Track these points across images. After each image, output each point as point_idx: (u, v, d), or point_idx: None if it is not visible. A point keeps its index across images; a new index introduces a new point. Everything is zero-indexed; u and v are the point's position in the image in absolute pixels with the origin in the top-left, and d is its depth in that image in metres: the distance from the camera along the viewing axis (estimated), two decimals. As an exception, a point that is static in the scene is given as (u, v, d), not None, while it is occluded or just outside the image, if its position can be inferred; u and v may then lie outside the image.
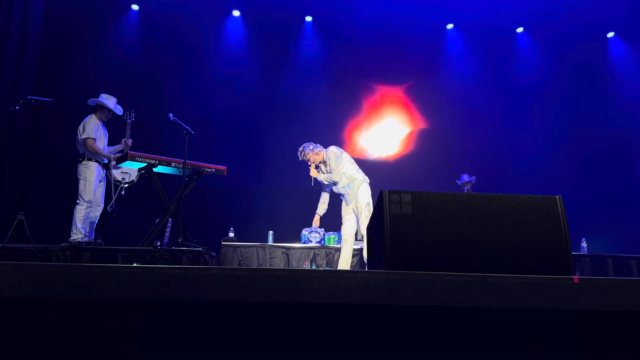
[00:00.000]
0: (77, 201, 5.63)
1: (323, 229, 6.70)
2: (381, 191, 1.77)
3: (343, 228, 5.70)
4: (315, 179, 5.77)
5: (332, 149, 5.70)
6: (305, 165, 5.98)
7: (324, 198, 5.95)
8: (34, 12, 7.85)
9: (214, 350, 1.55)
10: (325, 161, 5.73)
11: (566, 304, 1.52)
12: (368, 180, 5.68)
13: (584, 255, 6.53)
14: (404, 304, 1.55)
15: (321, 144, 5.85)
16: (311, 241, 6.69)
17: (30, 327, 1.51)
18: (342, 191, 5.64)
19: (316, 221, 6.05)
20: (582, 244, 7.01)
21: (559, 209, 1.70)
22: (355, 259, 6.07)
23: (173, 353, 1.54)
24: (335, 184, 5.64)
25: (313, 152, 5.73)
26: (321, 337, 1.58)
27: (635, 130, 8.63)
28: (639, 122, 8.65)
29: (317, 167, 5.81)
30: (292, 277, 1.55)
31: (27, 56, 7.71)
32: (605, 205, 8.36)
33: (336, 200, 5.99)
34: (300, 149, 5.79)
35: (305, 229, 6.82)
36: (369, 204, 5.49)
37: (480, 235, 1.70)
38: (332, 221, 6.57)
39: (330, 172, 5.61)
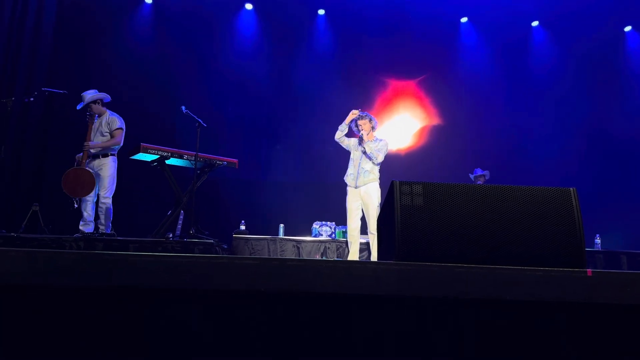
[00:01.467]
0: (107, 195, 5.66)
1: (334, 223, 6.70)
2: (392, 182, 1.75)
3: (348, 223, 5.61)
4: (367, 143, 5.53)
5: (385, 138, 5.66)
6: (316, 159, 5.98)
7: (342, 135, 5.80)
8: (48, 5, 7.91)
9: (223, 340, 1.55)
10: (378, 141, 5.59)
11: (579, 297, 1.50)
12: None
13: (597, 252, 6.47)
14: (414, 295, 1.53)
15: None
16: (322, 234, 6.70)
17: (37, 314, 1.52)
18: (366, 167, 5.51)
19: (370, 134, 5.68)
20: (596, 240, 6.93)
21: (573, 201, 1.68)
22: (365, 253, 6.06)
23: (182, 341, 1.55)
24: (369, 158, 5.52)
25: (373, 123, 5.62)
26: (331, 328, 1.58)
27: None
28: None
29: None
30: (302, 267, 1.54)
31: (41, 49, 7.79)
32: (619, 201, 8.27)
33: (342, 193, 5.98)
34: (364, 112, 5.68)
35: (316, 222, 6.82)
36: (379, 205, 5.44)
37: (492, 227, 1.67)
38: (343, 215, 6.56)
39: (376, 152, 5.48)
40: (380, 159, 5.50)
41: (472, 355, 1.57)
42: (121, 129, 5.78)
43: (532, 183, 1.72)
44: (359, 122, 5.64)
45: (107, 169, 5.69)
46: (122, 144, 5.81)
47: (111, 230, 5.82)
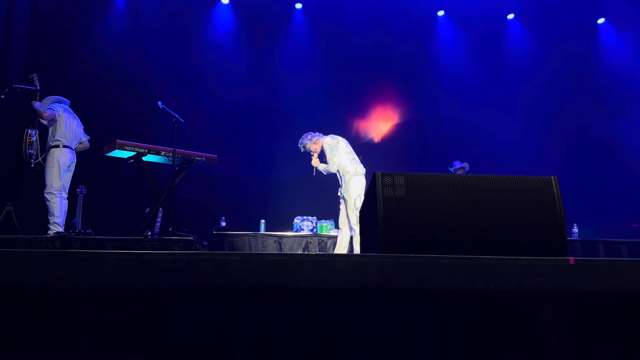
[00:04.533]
0: (46, 191, 5.54)
1: (315, 217, 6.68)
2: (374, 174, 1.73)
3: (339, 216, 5.67)
4: (316, 168, 5.73)
5: (327, 139, 5.65)
6: (296, 154, 5.95)
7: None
8: (23, 2, 7.72)
9: (206, 337, 1.52)
10: (323, 150, 5.69)
11: (562, 286, 1.50)
12: (364, 172, 5.58)
13: (575, 241, 6.57)
14: (397, 287, 1.52)
15: (315, 131, 5.80)
16: (303, 229, 6.67)
17: (18, 314, 1.47)
18: (339, 180, 5.62)
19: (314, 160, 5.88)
20: (574, 229, 7.05)
21: (554, 190, 1.68)
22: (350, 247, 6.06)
23: (162, 340, 1.51)
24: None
25: (312, 142, 5.72)
26: (314, 322, 1.56)
27: (624, 116, 8.66)
28: (628, 107, 8.68)
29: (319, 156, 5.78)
30: (284, 262, 1.51)
31: (15, 46, 7.58)
32: (595, 190, 8.43)
33: (331, 189, 5.97)
34: (300, 140, 5.78)
35: (297, 217, 6.79)
36: (360, 195, 5.40)
37: (475, 217, 1.67)
38: (325, 210, 6.55)
39: (327, 163, 5.58)
40: (333, 167, 5.55)
41: (457, 346, 1.56)
42: (55, 112, 5.60)
43: (510, 174, 1.72)
44: (310, 152, 5.76)
45: (48, 162, 5.56)
46: (49, 122, 5.63)
47: (88, 229, 5.73)
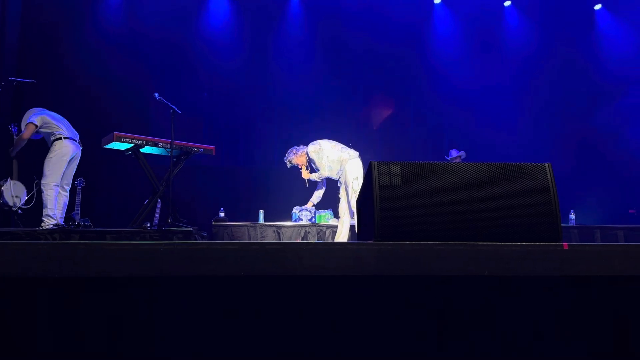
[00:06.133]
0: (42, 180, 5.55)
1: (314, 207, 6.72)
2: (370, 162, 1.75)
3: (339, 204, 5.79)
4: (309, 179, 5.89)
5: (309, 149, 5.77)
6: (294, 144, 6.01)
7: (319, 193, 6.21)
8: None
9: (204, 327, 1.55)
10: (311, 159, 5.77)
11: (556, 271, 1.53)
12: (357, 155, 5.67)
13: (572, 227, 6.61)
14: (394, 275, 1.55)
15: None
16: (302, 219, 6.70)
17: (16, 306, 1.49)
18: (337, 177, 5.71)
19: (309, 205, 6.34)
20: (571, 215, 7.08)
21: (548, 176, 1.70)
22: (350, 233, 6.10)
23: (161, 331, 1.54)
24: (327, 177, 5.80)
25: (297, 156, 5.87)
26: (313, 310, 1.58)
27: (622, 102, 8.67)
28: (626, 92, 8.69)
29: (307, 167, 5.93)
30: (282, 251, 1.53)
31: (9, 37, 7.54)
32: (592, 177, 8.46)
33: (329, 179, 6.00)
34: (285, 157, 5.94)
35: (295, 207, 6.82)
36: (357, 178, 5.49)
37: (470, 205, 1.69)
38: (323, 199, 6.57)
39: (318, 171, 5.68)
40: (326, 172, 5.67)
41: (453, 332, 1.59)
42: (32, 123, 5.46)
43: (507, 161, 1.75)
44: (297, 166, 5.92)
45: (48, 153, 5.53)
46: (38, 133, 5.55)
47: (87, 221, 5.75)
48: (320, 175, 5.73)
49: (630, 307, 1.60)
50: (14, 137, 5.73)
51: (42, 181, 5.47)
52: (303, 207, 6.58)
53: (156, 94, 5.75)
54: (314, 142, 5.80)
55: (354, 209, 5.46)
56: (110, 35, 8.26)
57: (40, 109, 5.65)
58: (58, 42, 7.88)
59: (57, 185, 5.51)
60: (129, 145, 5.72)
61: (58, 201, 5.57)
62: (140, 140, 5.75)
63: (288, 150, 5.98)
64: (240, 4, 9.01)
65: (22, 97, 7.49)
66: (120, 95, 7.83)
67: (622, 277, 1.57)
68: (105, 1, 8.51)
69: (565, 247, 1.53)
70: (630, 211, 8.24)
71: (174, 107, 5.77)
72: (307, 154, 5.76)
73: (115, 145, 5.74)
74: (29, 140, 5.56)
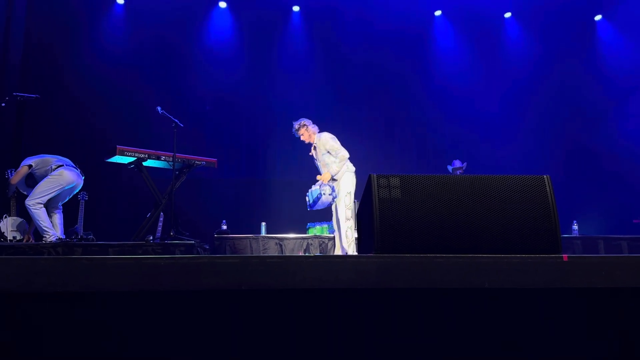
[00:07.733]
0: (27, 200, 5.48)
1: (334, 185, 5.97)
2: (370, 175, 1.76)
3: (333, 219, 5.68)
4: (323, 184, 5.34)
5: (327, 134, 5.56)
6: (296, 156, 5.97)
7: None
8: (18, 8, 7.74)
9: (205, 340, 1.55)
10: (315, 146, 5.64)
11: (556, 283, 1.53)
12: (353, 170, 5.58)
13: (575, 238, 6.58)
14: (394, 287, 1.55)
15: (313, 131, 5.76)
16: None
17: (17, 321, 1.50)
18: (334, 176, 5.51)
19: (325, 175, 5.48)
20: (574, 226, 7.06)
21: (547, 188, 1.71)
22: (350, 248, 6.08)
23: (164, 344, 1.54)
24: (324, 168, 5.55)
25: (308, 129, 5.61)
26: (313, 323, 1.58)
27: (624, 111, 8.68)
28: (627, 102, 8.70)
29: (310, 144, 5.67)
30: (283, 264, 1.54)
31: (12, 52, 7.61)
32: (595, 187, 8.44)
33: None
34: (298, 122, 5.67)
35: (314, 184, 5.66)
36: (350, 193, 5.41)
37: (470, 217, 1.70)
38: (323, 212, 6.57)
39: (335, 158, 5.44)
40: (339, 164, 5.39)
41: (454, 345, 1.59)
42: (25, 165, 5.45)
43: (510, 172, 1.76)
44: (300, 136, 5.66)
45: (49, 176, 5.46)
46: (34, 175, 5.51)
47: (90, 234, 5.75)
48: (337, 169, 5.39)
49: (633, 320, 1.59)
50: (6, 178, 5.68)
51: (27, 200, 5.33)
52: (320, 182, 5.50)
53: (159, 108, 5.78)
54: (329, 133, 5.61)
55: (342, 223, 5.41)
56: (112, 50, 8.34)
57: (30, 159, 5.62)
58: (61, 58, 7.96)
59: (41, 205, 5.36)
60: (132, 159, 5.75)
61: (53, 220, 5.53)
62: (142, 153, 5.78)
63: (302, 118, 5.67)
64: (242, 17, 9.09)
65: (24, 112, 7.54)
66: (123, 110, 7.90)
67: (623, 289, 1.56)
68: (108, 16, 8.60)
69: (565, 259, 1.53)
70: (634, 221, 8.20)
71: (176, 120, 5.80)
72: (319, 139, 5.52)
73: (118, 159, 5.76)
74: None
